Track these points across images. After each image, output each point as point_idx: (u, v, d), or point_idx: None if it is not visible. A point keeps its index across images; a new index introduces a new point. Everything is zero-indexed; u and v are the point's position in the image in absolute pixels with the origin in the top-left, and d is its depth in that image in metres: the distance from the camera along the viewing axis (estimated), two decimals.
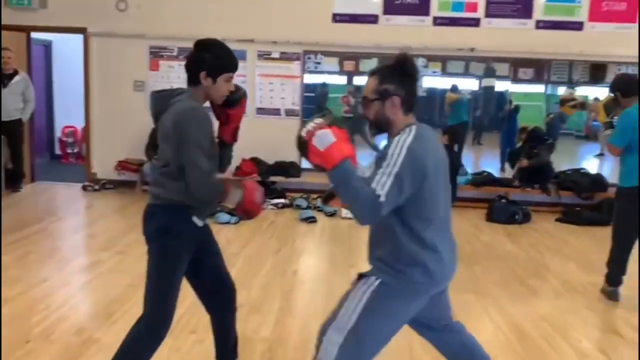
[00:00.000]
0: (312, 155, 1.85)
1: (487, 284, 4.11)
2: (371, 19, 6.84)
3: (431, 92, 7.75)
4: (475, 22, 6.79)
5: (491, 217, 6.24)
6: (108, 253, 4.43)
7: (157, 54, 7.08)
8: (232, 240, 4.99)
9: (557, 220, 6.37)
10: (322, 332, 1.97)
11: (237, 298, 3.55)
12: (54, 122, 9.55)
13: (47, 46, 9.11)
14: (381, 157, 1.85)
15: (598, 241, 5.47)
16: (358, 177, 1.81)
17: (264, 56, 7.04)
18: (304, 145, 1.87)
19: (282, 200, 6.58)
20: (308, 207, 6.39)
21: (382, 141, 2.03)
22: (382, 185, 1.78)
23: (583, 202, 6.69)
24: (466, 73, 7.32)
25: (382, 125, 2.00)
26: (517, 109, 7.45)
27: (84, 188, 7.02)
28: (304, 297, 3.71)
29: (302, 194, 6.80)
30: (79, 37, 7.35)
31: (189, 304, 3.07)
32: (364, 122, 2.01)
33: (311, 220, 5.86)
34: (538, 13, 6.72)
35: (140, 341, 2.18)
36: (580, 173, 6.95)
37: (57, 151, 9.62)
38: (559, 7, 6.68)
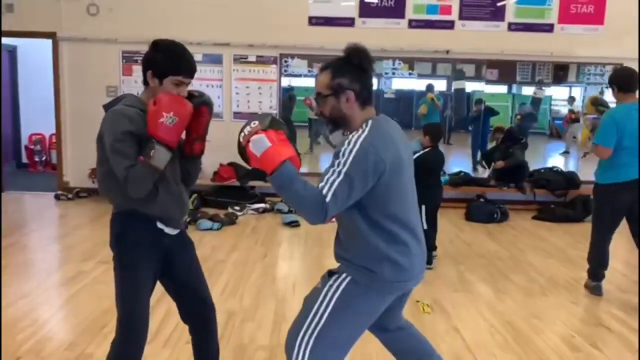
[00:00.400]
0: (251, 161, 1.82)
1: (475, 283, 4.17)
2: (347, 22, 6.87)
3: (405, 93, 7.83)
4: (449, 25, 6.89)
5: (470, 217, 6.34)
6: (90, 263, 4.30)
7: (130, 59, 6.94)
8: (217, 247, 4.91)
9: (534, 217, 6.52)
10: (293, 337, 1.91)
11: (230, 306, 3.53)
12: (20, 130, 9.25)
13: (11, 51, 8.81)
14: (335, 155, 1.80)
15: (574, 237, 5.65)
16: (300, 179, 1.76)
17: (241, 60, 6.98)
18: (243, 151, 1.83)
19: (262, 205, 6.53)
20: (290, 211, 6.35)
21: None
22: (330, 185, 1.74)
23: (557, 200, 6.88)
24: (437, 74, 7.43)
25: (339, 122, 1.94)
26: (490, 109, 7.57)
27: (57, 197, 6.82)
28: (297, 302, 3.65)
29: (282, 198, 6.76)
30: (46, 42, 7.14)
31: None
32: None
33: (294, 224, 5.84)
34: (510, 16, 6.87)
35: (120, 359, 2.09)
36: (553, 172, 7.12)
37: (24, 159, 9.32)
38: (530, 9, 6.84)
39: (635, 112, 3.67)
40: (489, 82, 7.36)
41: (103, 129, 1.99)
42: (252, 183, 6.91)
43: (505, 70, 7.28)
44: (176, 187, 2.12)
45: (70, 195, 6.83)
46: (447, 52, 6.93)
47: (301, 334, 1.88)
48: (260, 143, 1.77)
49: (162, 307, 3.44)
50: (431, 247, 4.43)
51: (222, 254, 4.73)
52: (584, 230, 5.82)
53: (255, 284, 4.01)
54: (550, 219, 6.42)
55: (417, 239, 1.94)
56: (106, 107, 2.09)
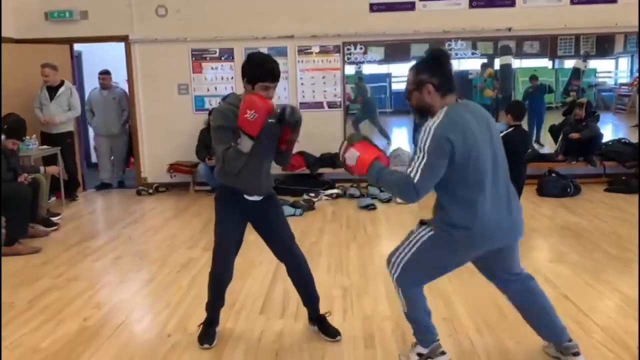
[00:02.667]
0: (351, 171, 2.40)
1: (569, 253, 4.26)
2: (408, 6, 6.97)
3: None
4: (511, 2, 6.92)
5: (543, 192, 6.39)
6: (197, 250, 4.58)
7: (199, 57, 7.20)
8: (305, 230, 5.13)
9: (606, 190, 6.53)
10: (391, 255, 2.49)
11: (341, 282, 3.75)
12: (88, 132, 9.66)
13: (77, 57, 9.19)
14: (416, 143, 2.25)
15: None
16: (387, 170, 2.31)
17: (305, 51, 7.16)
18: (345, 166, 2.43)
19: (335, 191, 6.72)
20: (362, 195, 6.53)
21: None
22: (416, 169, 2.17)
23: (627, 171, 6.86)
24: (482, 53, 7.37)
25: (424, 110, 2.33)
26: (544, 86, 7.47)
27: (138, 192, 7.16)
28: None
29: (352, 183, 6.95)
30: (109, 46, 7.49)
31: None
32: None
33: (371, 207, 6.01)
34: None
35: (210, 277, 2.93)
36: (622, 143, 7.09)
37: (93, 160, 9.74)
38: None
39: None
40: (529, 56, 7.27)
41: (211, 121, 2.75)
42: (321, 170, 7.11)
43: (547, 44, 7.22)
44: (258, 164, 2.69)
45: (150, 191, 7.16)
46: (509, 29, 6.96)
47: (395, 256, 2.47)
48: (351, 155, 2.37)
49: (279, 287, 3.68)
50: None
51: (313, 237, 4.95)
52: None
53: (357, 263, 4.20)
54: (624, 190, 6.42)
55: (496, 207, 2.26)
56: (222, 99, 2.79)
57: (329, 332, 2.94)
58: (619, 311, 3.20)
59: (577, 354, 2.52)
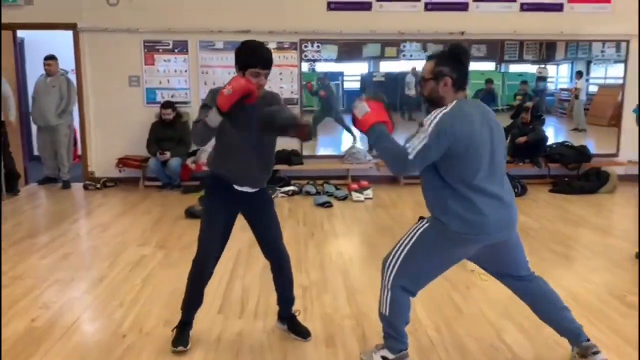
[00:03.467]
0: (354, 121, 2.41)
1: None
2: (365, 6, 7.02)
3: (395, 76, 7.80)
4: (464, 7, 7.09)
5: None
6: (148, 248, 4.44)
7: (152, 48, 6.99)
8: None
9: (550, 190, 6.81)
10: (386, 259, 2.47)
11: (300, 281, 3.74)
12: (30, 123, 9.21)
13: (20, 44, 8.74)
14: (420, 124, 2.30)
15: (595, 207, 5.97)
16: (389, 138, 2.33)
17: None
18: (352, 115, 2.44)
19: (291, 188, 6.70)
20: (317, 193, 6.55)
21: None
22: (414, 147, 2.23)
23: (570, 173, 7.18)
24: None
25: (434, 101, 2.37)
26: (492, 90, 7.69)
27: (85, 187, 6.90)
28: (360, 274, 3.89)
29: (308, 180, 6.95)
30: (55, 33, 7.17)
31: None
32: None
33: (327, 205, 6.02)
34: None
35: (191, 268, 2.80)
36: (565, 146, 7.41)
37: (35, 152, 9.30)
38: None
39: None
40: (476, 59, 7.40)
41: None
42: (277, 167, 7.06)
43: (494, 48, 7.39)
44: (249, 153, 2.61)
45: (98, 185, 6.91)
46: (462, 33, 7.13)
47: (390, 257, 2.44)
48: (362, 108, 2.37)
49: (237, 285, 3.63)
50: None
51: None
52: (601, 200, 6.20)
53: (315, 260, 4.20)
54: (567, 191, 6.72)
55: (490, 201, 2.28)
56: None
57: (299, 330, 2.92)
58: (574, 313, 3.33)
59: (596, 352, 2.56)
